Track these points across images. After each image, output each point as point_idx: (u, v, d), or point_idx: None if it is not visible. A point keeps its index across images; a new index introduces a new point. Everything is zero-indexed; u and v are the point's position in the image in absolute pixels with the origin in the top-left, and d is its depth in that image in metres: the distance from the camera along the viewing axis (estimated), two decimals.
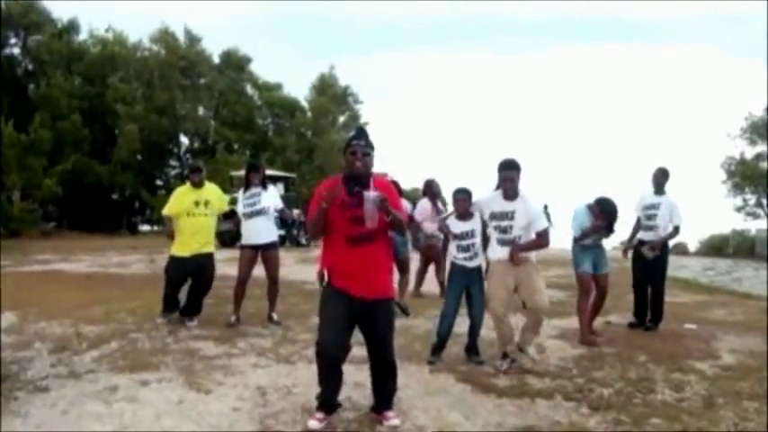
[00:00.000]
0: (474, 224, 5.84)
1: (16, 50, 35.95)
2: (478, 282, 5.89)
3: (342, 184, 4.07)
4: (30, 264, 15.03)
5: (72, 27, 37.47)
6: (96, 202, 35.51)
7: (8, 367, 5.27)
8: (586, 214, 6.91)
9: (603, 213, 6.81)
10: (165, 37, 37.77)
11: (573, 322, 7.23)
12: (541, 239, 5.52)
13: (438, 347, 5.84)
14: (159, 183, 39.40)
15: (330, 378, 4.13)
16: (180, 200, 7.46)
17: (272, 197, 7.52)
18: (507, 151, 6.38)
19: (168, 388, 4.83)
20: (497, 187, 5.63)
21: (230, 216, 8.29)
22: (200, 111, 40.00)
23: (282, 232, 7.67)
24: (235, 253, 8.18)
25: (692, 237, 32.20)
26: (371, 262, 4.07)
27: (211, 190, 7.60)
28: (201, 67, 38.59)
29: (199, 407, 4.42)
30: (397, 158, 61.19)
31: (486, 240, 5.90)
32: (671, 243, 8.04)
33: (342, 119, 42.76)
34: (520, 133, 65.66)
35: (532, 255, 5.64)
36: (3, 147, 26.18)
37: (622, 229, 7.80)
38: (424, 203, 9.29)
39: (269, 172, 9.08)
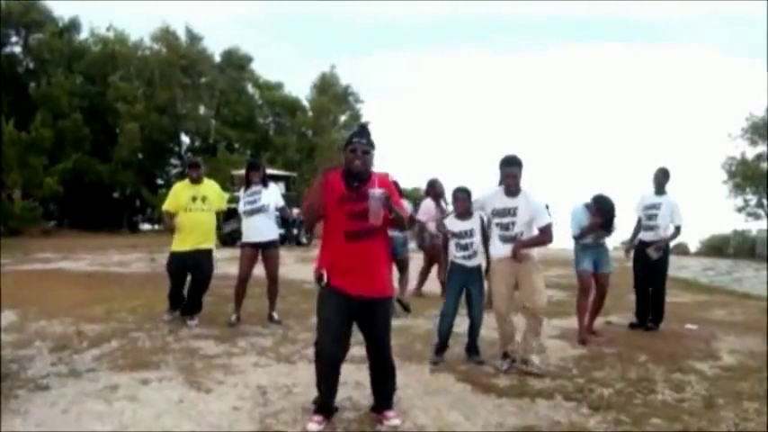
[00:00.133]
0: (473, 223, 5.84)
1: (17, 49, 36.07)
2: (478, 281, 5.88)
3: (341, 179, 4.08)
4: (30, 262, 15.04)
5: (73, 26, 37.54)
6: (97, 201, 35.58)
7: (8, 366, 5.27)
8: (584, 213, 6.92)
9: (600, 211, 6.82)
10: (166, 36, 37.83)
11: (573, 322, 7.23)
12: (544, 235, 5.49)
13: (441, 347, 5.84)
14: (160, 181, 39.44)
15: (329, 379, 4.13)
16: (177, 195, 7.51)
17: (272, 194, 7.52)
18: (508, 151, 6.35)
19: (168, 387, 4.83)
20: (499, 184, 5.63)
21: (232, 215, 8.31)
22: (201, 110, 40.09)
23: (282, 231, 7.66)
24: (236, 252, 8.18)
25: (692, 237, 32.24)
26: (370, 257, 4.05)
27: (209, 186, 7.62)
28: (202, 65, 38.65)
29: (199, 406, 4.42)
30: (398, 158, 61.17)
31: (486, 239, 5.91)
32: (671, 243, 8.03)
33: (343, 118, 42.78)
34: (521, 133, 65.65)
35: (534, 252, 5.64)
36: (4, 145, 26.21)
37: (623, 229, 7.83)
38: (428, 203, 9.31)
39: (270, 171, 9.07)
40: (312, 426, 4.01)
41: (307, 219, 4.22)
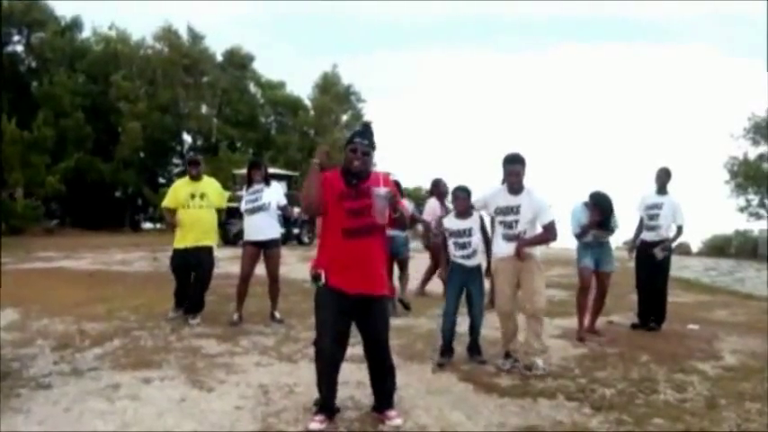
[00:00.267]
0: (472, 222, 5.82)
1: (19, 48, 36.12)
2: (477, 280, 5.87)
3: (340, 177, 4.07)
4: (32, 261, 15.05)
5: (75, 25, 37.65)
6: (99, 200, 35.65)
7: (10, 364, 5.28)
8: (584, 211, 6.94)
9: (597, 207, 6.84)
10: (168, 35, 37.90)
11: (575, 322, 7.22)
12: (548, 232, 5.47)
13: (445, 349, 5.81)
14: (162, 180, 39.49)
15: (329, 379, 4.12)
16: (176, 192, 7.58)
17: (274, 193, 7.52)
18: (509, 150, 6.34)
19: (170, 386, 4.83)
20: (503, 182, 5.62)
21: (234, 215, 8.33)
22: (203, 109, 40.15)
23: (283, 230, 7.67)
24: (238, 251, 8.19)
25: (694, 237, 32.17)
26: (368, 255, 4.03)
27: (209, 184, 7.65)
28: (204, 65, 38.71)
29: (201, 405, 4.42)
30: (399, 157, 61.19)
31: (487, 238, 5.90)
32: (674, 243, 8.02)
33: (344, 117, 42.80)
34: (522, 132, 65.53)
35: (537, 252, 5.61)
36: (6, 144, 26.24)
37: (625, 229, 7.84)
38: (432, 203, 9.31)
39: (271, 170, 9.07)
40: (314, 425, 4.01)
41: (307, 214, 4.21)
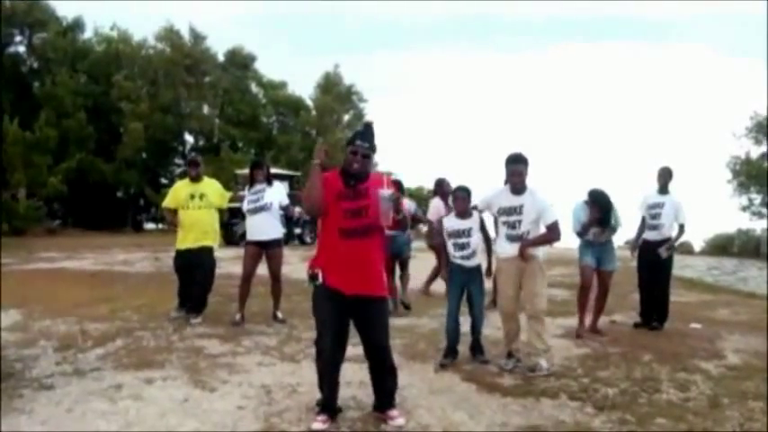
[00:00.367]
0: (471, 223, 5.80)
1: (21, 48, 36.20)
2: (477, 280, 5.86)
3: (338, 177, 4.07)
4: (35, 261, 15.06)
5: (77, 25, 37.66)
6: (101, 200, 35.65)
7: (13, 365, 5.29)
8: (584, 209, 6.98)
9: (595, 204, 6.87)
10: (169, 35, 37.88)
11: (577, 321, 7.23)
12: (552, 233, 5.44)
13: (449, 351, 5.79)
14: (164, 181, 39.45)
15: (330, 379, 4.13)
16: (176, 193, 7.67)
17: (276, 193, 7.53)
18: (510, 150, 6.33)
19: (173, 386, 4.83)
20: (505, 182, 5.61)
21: (236, 215, 8.34)
22: (205, 109, 40.12)
23: (285, 230, 7.69)
24: (241, 251, 8.21)
25: (697, 236, 32.10)
26: (365, 256, 4.02)
27: (209, 184, 7.69)
28: (206, 65, 38.68)
29: (203, 405, 4.43)
30: (399, 157, 61.23)
31: (487, 238, 5.89)
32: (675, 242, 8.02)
33: (346, 117, 42.74)
34: (523, 132, 65.48)
35: (540, 253, 5.58)
36: (8, 145, 26.28)
37: (627, 229, 7.83)
38: (437, 203, 9.30)
39: (273, 170, 9.09)
40: (317, 425, 4.01)
41: (309, 215, 4.21)
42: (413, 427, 4.13)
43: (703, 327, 8.03)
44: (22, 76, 34.91)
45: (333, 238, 4.04)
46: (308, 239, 23.33)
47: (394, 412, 4.19)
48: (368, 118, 40.36)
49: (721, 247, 31.73)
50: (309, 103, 42.92)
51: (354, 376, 4.81)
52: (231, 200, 8.26)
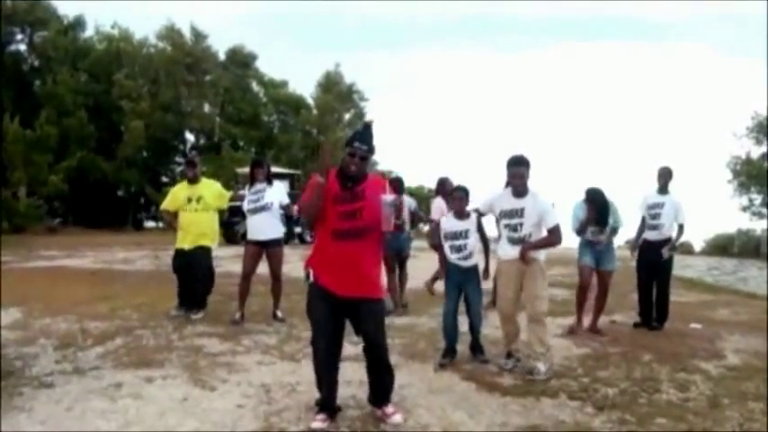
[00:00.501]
0: (469, 224, 5.78)
1: (22, 47, 36.18)
2: (474, 280, 5.84)
3: (335, 179, 4.05)
4: (35, 260, 15.07)
5: (78, 23, 37.69)
6: (101, 199, 35.67)
7: (13, 363, 5.29)
8: (582, 208, 7.01)
9: (593, 203, 6.89)
10: (170, 34, 37.88)
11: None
12: (553, 236, 5.41)
13: (448, 350, 5.78)
14: (164, 179, 39.49)
15: (328, 379, 4.13)
16: (174, 196, 7.76)
17: (276, 192, 7.53)
18: (510, 148, 6.34)
19: (173, 385, 4.83)
20: (507, 184, 5.59)
21: (236, 213, 8.36)
22: (206, 107, 40.10)
23: (285, 229, 7.69)
24: (241, 250, 8.21)
25: (697, 236, 32.09)
26: (357, 258, 4.00)
27: (206, 186, 7.72)
28: (207, 63, 38.67)
29: (203, 404, 4.43)
30: (400, 156, 61.20)
31: (485, 239, 5.88)
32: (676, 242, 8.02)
33: (347, 116, 42.73)
34: (522, 131, 65.48)
35: (542, 255, 5.56)
36: (8, 143, 26.29)
37: (628, 228, 7.83)
38: (439, 202, 9.29)
39: (274, 169, 9.09)
40: (316, 424, 4.02)
41: (305, 214, 4.20)
42: (412, 426, 4.13)
43: (703, 327, 8.03)
44: (22, 75, 34.91)
45: (326, 239, 4.04)
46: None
47: (389, 408, 4.19)
48: (369, 117, 40.46)
49: (721, 247, 31.72)
50: (310, 101, 42.92)
51: (354, 375, 4.81)
52: (232, 199, 8.28)
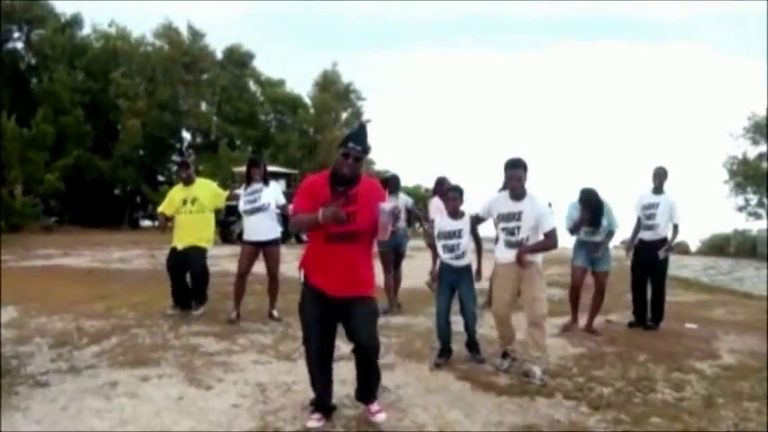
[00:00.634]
0: (462, 224, 5.77)
1: (19, 45, 36.11)
2: (466, 280, 5.84)
3: (329, 182, 4.01)
4: (31, 258, 15.04)
5: (75, 22, 37.61)
6: (98, 197, 35.63)
7: (9, 362, 5.29)
8: (577, 208, 7.05)
9: (587, 203, 6.94)
10: (168, 32, 37.85)
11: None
12: (549, 240, 5.37)
13: (443, 350, 5.79)
14: (161, 178, 39.49)
15: (322, 379, 4.14)
16: (171, 199, 7.79)
17: (273, 192, 7.52)
18: (508, 148, 6.38)
19: (168, 384, 4.83)
20: (504, 187, 5.58)
21: (233, 213, 8.35)
22: (203, 106, 40.08)
23: (282, 229, 7.69)
24: (237, 249, 8.21)
25: (693, 236, 32.10)
26: (349, 260, 3.98)
27: (201, 187, 7.75)
28: (204, 62, 38.65)
29: (199, 403, 4.43)
30: (397, 155, 61.21)
31: (478, 239, 5.88)
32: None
33: (344, 115, 42.71)
34: (521, 131, 65.59)
35: (539, 258, 5.53)
36: (5, 141, 26.24)
37: (623, 228, 7.84)
38: (437, 202, 9.30)
39: (271, 168, 9.08)
40: (312, 423, 4.03)
41: (292, 231, 4.17)
42: (408, 425, 4.14)
43: (699, 327, 8.04)
44: (19, 73, 34.85)
45: (319, 241, 4.03)
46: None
47: (374, 407, 4.20)
48: (366, 116, 40.38)
49: (718, 247, 31.73)
50: (308, 101, 42.91)
51: (349, 374, 4.79)
52: (229, 198, 8.27)
